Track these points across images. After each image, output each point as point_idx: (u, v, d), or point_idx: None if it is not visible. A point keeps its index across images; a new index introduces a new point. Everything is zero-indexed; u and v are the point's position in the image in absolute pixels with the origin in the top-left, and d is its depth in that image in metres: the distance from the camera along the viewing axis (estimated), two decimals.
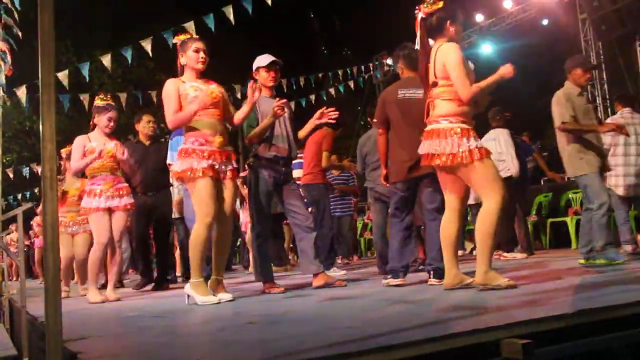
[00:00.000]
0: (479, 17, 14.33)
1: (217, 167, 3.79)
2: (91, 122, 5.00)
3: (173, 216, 6.72)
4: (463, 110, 3.32)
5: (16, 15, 6.12)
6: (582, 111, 4.79)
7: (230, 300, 3.75)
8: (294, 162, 4.77)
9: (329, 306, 3.21)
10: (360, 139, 6.24)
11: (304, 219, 4.45)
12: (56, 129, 1.76)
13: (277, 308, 3.30)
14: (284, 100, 4.34)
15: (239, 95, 11.66)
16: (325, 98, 14.01)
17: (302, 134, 4.74)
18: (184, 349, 2.14)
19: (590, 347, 1.95)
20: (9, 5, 6.03)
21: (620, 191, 5.74)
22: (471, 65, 3.63)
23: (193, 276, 3.76)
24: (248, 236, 7.67)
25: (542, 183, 10.00)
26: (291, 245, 9.26)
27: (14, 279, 14.56)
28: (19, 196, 16.70)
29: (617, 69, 12.96)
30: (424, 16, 3.45)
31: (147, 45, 8.53)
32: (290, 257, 9.34)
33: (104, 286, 5.47)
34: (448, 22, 3.43)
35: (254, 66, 4.58)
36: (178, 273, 7.59)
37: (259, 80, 4.56)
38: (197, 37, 4.15)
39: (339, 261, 8.43)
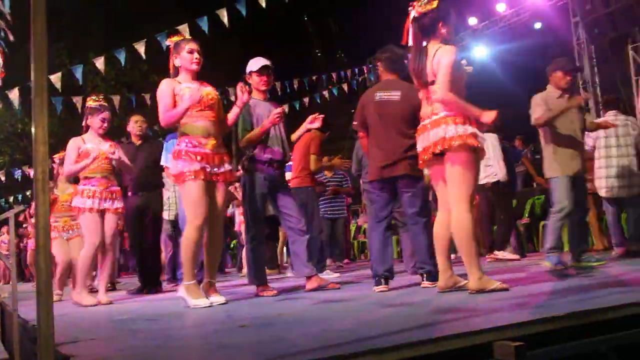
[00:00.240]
0: (473, 21, 14.39)
1: (209, 169, 3.79)
2: (84, 124, 4.98)
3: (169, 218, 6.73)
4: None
5: (8, 17, 6.10)
6: (566, 115, 4.79)
7: (222, 303, 3.74)
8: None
9: (322, 309, 3.21)
10: (357, 142, 6.25)
11: (297, 221, 4.46)
12: (49, 131, 1.76)
13: (270, 311, 3.29)
14: (282, 109, 4.34)
15: (232, 98, 11.65)
16: (319, 101, 14.02)
17: (293, 137, 4.76)
18: (176, 352, 2.14)
19: (581, 349, 1.96)
20: (1, 8, 6.01)
21: (602, 193, 5.80)
22: (468, 69, 3.65)
23: (185, 279, 3.75)
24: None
25: (534, 186, 10.04)
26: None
27: (1, 282, 14.50)
28: (11, 199, 16.62)
29: (609, 72, 13.03)
30: (416, 15, 3.46)
31: (140, 47, 8.52)
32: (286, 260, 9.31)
33: (92, 291, 5.46)
34: (440, 23, 3.44)
35: (247, 69, 4.58)
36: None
37: (252, 84, 4.57)
38: (191, 38, 4.15)
39: (330, 264, 8.40)
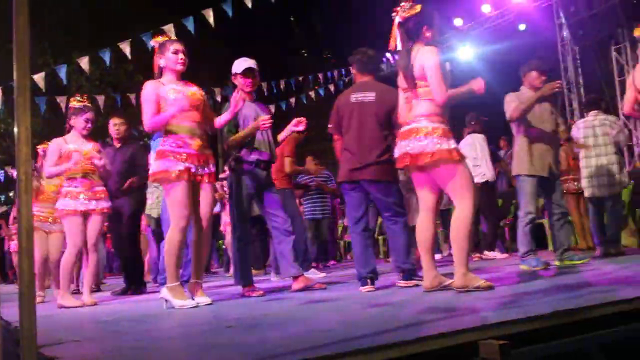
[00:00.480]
0: (458, 22, 14.46)
1: (193, 170, 3.77)
2: (67, 124, 4.94)
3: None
4: (441, 111, 3.37)
5: None
6: (537, 113, 4.83)
7: (208, 304, 3.73)
8: None
9: (309, 309, 3.21)
10: None
11: (283, 222, 4.46)
12: (32, 131, 1.74)
13: (257, 311, 3.29)
14: (270, 118, 4.33)
15: (218, 98, 11.61)
16: (305, 101, 14.00)
17: (278, 138, 4.76)
18: (161, 353, 2.13)
19: (565, 347, 1.98)
20: None
21: (585, 193, 5.88)
22: (447, 66, 3.67)
23: (169, 280, 3.73)
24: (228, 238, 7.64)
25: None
26: None
27: None
28: None
29: (593, 73, 13.17)
30: (401, 20, 3.48)
31: (125, 47, 8.46)
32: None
33: (76, 292, 5.42)
34: (425, 27, 3.47)
35: (232, 71, 4.57)
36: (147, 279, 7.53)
37: (237, 84, 4.56)
38: (176, 38, 4.13)
39: (316, 266, 8.39)
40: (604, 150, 5.73)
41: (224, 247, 10.68)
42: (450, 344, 1.81)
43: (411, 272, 4.04)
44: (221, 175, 6.52)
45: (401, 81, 3.54)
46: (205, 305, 3.71)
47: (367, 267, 4.05)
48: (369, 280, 4.01)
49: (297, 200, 7.93)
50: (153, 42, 4.02)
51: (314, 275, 5.74)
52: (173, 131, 3.79)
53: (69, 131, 4.93)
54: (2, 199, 16.31)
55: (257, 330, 2.49)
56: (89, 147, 4.86)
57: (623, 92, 11.69)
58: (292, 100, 13.70)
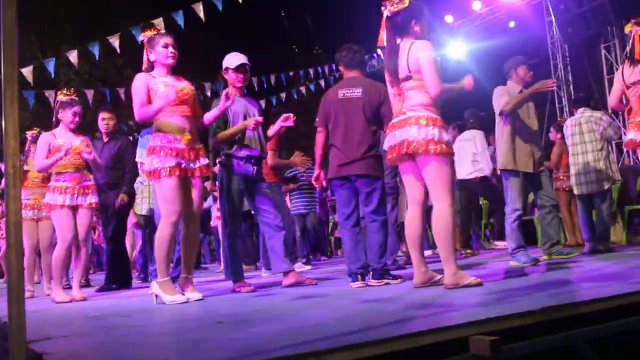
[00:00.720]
0: (449, 18, 14.49)
1: (184, 165, 3.75)
2: (54, 118, 4.90)
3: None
4: (435, 102, 3.38)
5: None
6: (523, 109, 4.84)
7: (199, 300, 3.72)
8: None
9: (299, 305, 3.21)
10: None
11: (274, 217, 4.46)
12: (20, 125, 1.72)
13: (247, 307, 3.29)
14: (260, 119, 4.32)
15: (208, 93, 11.56)
16: (295, 96, 13.98)
17: (269, 133, 4.74)
18: (151, 349, 2.11)
19: (555, 343, 1.99)
20: None
21: (574, 190, 5.93)
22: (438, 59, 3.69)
23: (159, 275, 3.72)
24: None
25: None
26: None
27: None
28: None
29: (582, 71, 13.24)
30: (389, 15, 3.48)
31: (114, 41, 8.40)
32: None
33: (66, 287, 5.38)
34: (413, 21, 3.46)
35: (224, 65, 4.55)
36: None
37: (228, 80, 4.54)
38: (165, 32, 4.10)
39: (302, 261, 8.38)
40: (590, 147, 5.77)
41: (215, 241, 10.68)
42: (441, 340, 1.81)
43: (382, 272, 4.05)
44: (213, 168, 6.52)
45: (388, 77, 3.55)
46: (196, 300, 3.70)
47: (357, 262, 4.05)
48: (359, 276, 4.02)
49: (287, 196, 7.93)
50: (142, 36, 3.99)
51: (299, 269, 5.74)
52: (163, 127, 3.77)
53: (56, 125, 4.89)
54: None
55: (247, 325, 2.49)
56: (78, 141, 4.82)
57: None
58: (283, 95, 13.67)
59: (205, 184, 6.88)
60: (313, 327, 2.24)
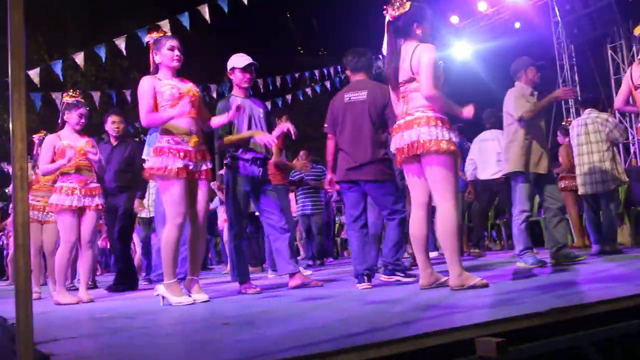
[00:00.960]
0: (454, 19, 14.46)
1: (191, 167, 3.76)
2: (60, 120, 4.92)
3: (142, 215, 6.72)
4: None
5: None
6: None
7: (205, 301, 3.73)
8: None
9: (305, 306, 3.21)
10: None
11: (278, 219, 4.47)
12: (27, 127, 1.73)
13: (253, 308, 3.29)
14: (273, 142, 4.35)
15: (214, 94, 11.58)
16: (301, 98, 13.98)
17: (273, 134, 4.76)
18: (157, 350, 2.12)
19: (562, 345, 1.98)
20: None
21: (580, 190, 5.91)
22: (441, 65, 3.69)
23: (166, 277, 3.73)
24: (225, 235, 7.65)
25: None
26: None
27: None
28: None
29: (588, 72, 13.19)
30: (390, 19, 3.48)
31: (121, 43, 8.43)
32: None
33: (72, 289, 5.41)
34: (415, 24, 3.46)
35: (229, 65, 4.56)
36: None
37: (233, 80, 4.55)
38: (171, 34, 4.11)
39: (309, 263, 8.37)
40: (596, 148, 5.76)
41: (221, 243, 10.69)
42: (447, 341, 1.81)
43: (394, 269, 4.09)
44: (219, 172, 6.54)
45: (389, 81, 3.55)
46: (202, 302, 3.71)
47: (364, 264, 4.06)
48: (365, 277, 4.02)
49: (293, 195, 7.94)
50: (148, 38, 4.01)
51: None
52: (170, 129, 3.78)
53: (62, 127, 4.90)
54: None
55: (254, 327, 2.49)
56: (83, 142, 4.84)
57: (619, 90, 11.76)
58: (289, 97, 13.68)
59: (211, 184, 6.91)
60: (319, 329, 2.24)
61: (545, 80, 4.96)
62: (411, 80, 3.41)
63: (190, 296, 3.74)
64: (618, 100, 4.93)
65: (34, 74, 8.42)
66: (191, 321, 2.99)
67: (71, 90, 5.13)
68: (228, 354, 1.87)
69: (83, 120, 4.89)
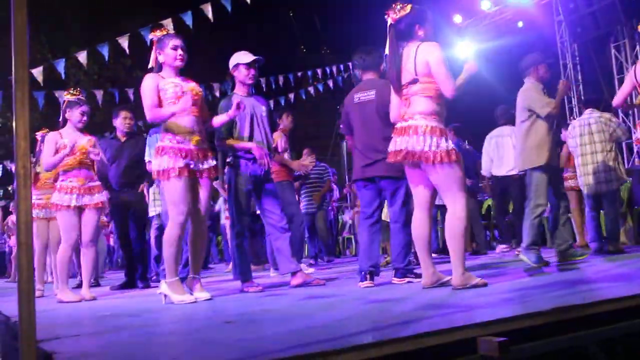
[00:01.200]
0: (457, 18, 14.44)
1: (193, 166, 3.77)
2: (61, 118, 4.93)
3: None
4: (440, 110, 3.38)
5: None
6: None
7: (207, 300, 3.73)
8: None
9: (307, 305, 3.21)
10: None
11: (279, 219, 4.47)
12: (30, 126, 1.73)
13: (255, 307, 3.29)
14: (268, 161, 4.43)
15: (217, 93, 11.58)
16: (304, 97, 13.98)
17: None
18: (160, 348, 2.12)
19: (564, 344, 1.98)
20: None
21: (583, 190, 5.91)
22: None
23: (168, 275, 3.73)
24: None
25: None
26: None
27: None
28: None
29: (591, 71, 13.16)
30: (392, 22, 3.48)
31: (124, 42, 8.43)
32: None
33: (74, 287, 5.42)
34: (417, 26, 3.47)
35: (233, 62, 4.55)
36: None
37: (237, 76, 4.55)
38: (174, 33, 4.10)
39: (310, 262, 8.37)
40: (600, 147, 5.76)
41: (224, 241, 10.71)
42: (449, 341, 1.81)
43: (405, 271, 4.10)
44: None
45: (392, 84, 3.55)
46: (204, 300, 3.71)
47: (369, 261, 4.10)
48: (368, 275, 4.04)
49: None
50: (152, 35, 4.00)
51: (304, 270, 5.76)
52: (172, 128, 3.78)
53: (63, 125, 4.91)
54: (1, 194, 16.26)
55: (255, 325, 2.49)
56: (85, 141, 4.85)
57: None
58: (291, 95, 13.68)
59: (214, 184, 6.91)
60: (320, 328, 2.25)
61: (550, 79, 4.93)
62: (414, 81, 3.40)
63: (192, 294, 3.74)
64: (618, 98, 4.92)
65: (37, 72, 8.43)
66: (193, 319, 2.99)
67: (72, 89, 5.14)
68: (230, 353, 1.88)
69: (85, 118, 4.89)
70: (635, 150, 11.88)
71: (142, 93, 3.82)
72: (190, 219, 3.81)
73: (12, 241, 13.57)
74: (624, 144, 11.34)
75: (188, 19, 8.11)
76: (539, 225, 4.69)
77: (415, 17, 3.46)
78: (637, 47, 11.73)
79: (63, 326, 3.10)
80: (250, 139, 4.46)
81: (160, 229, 6.83)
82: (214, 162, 3.95)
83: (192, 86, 3.90)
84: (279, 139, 6.10)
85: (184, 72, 3.98)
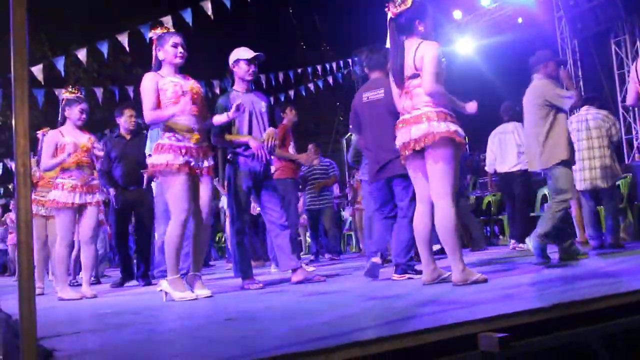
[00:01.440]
0: (457, 14, 14.41)
1: (193, 163, 3.77)
2: (60, 116, 4.92)
3: None
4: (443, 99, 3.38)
5: None
6: None
7: (208, 297, 3.74)
8: None
9: (308, 302, 3.21)
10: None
11: (279, 216, 4.47)
12: (30, 124, 1.73)
13: (256, 304, 3.29)
14: (262, 152, 4.41)
15: (217, 91, 11.58)
16: (304, 93, 13.98)
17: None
18: (160, 346, 2.13)
19: (565, 340, 1.98)
20: None
21: (581, 186, 5.90)
22: (444, 62, 3.68)
23: (169, 273, 3.74)
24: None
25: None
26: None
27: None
28: None
29: (592, 67, 13.14)
30: (392, 16, 3.48)
31: (123, 39, 8.42)
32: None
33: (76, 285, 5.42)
34: (417, 20, 3.47)
35: (233, 58, 4.54)
36: None
37: (237, 72, 4.54)
38: (175, 31, 4.09)
39: (311, 258, 8.36)
40: (597, 143, 5.77)
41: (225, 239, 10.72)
42: (449, 337, 1.81)
43: (406, 267, 4.12)
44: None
45: (393, 77, 3.55)
46: (205, 297, 3.71)
47: (376, 246, 4.31)
48: (379, 255, 4.23)
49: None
50: (151, 34, 3.99)
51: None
52: (172, 126, 3.78)
53: (62, 123, 4.90)
54: (1, 192, 16.27)
55: (256, 322, 2.50)
56: (85, 139, 4.84)
57: (622, 85, 11.73)
58: (291, 92, 13.68)
59: (215, 183, 6.91)
60: (321, 324, 2.25)
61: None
62: (414, 76, 3.41)
63: (193, 292, 3.74)
64: (630, 97, 4.91)
65: (37, 70, 8.42)
66: (194, 317, 3.00)
67: (70, 87, 5.13)
68: (230, 350, 1.88)
69: (84, 116, 4.89)
70: (635, 145, 11.88)
71: (142, 94, 3.82)
72: (191, 216, 3.81)
73: (10, 239, 13.59)
74: (624, 140, 11.34)
75: (188, 16, 8.11)
76: (561, 219, 4.62)
77: (415, 11, 3.46)
78: (638, 42, 11.71)
79: (64, 324, 3.11)
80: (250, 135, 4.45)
81: None
82: (213, 162, 3.95)
83: (191, 84, 3.89)
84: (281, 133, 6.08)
85: (184, 70, 3.98)
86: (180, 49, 3.87)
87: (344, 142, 16.94)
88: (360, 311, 2.65)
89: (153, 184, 6.55)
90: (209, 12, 8.12)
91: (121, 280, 6.14)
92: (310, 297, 3.40)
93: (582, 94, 11.92)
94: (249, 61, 4.50)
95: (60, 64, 8.78)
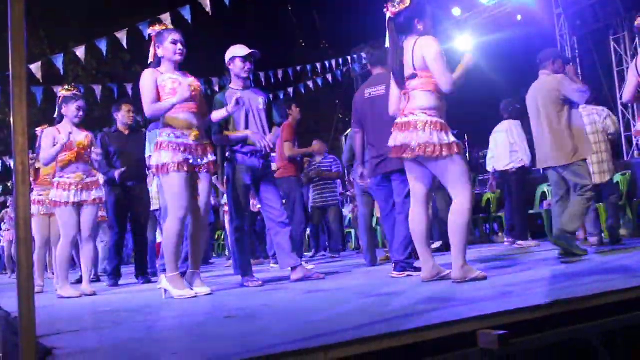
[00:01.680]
0: (456, 11, 14.39)
1: (192, 161, 3.76)
2: (57, 114, 4.91)
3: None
4: (440, 104, 3.37)
5: None
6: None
7: (207, 294, 3.74)
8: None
9: (307, 299, 3.21)
10: (350, 132, 6.28)
11: (279, 214, 4.47)
12: (29, 122, 1.73)
13: (255, 301, 3.29)
14: (269, 144, 4.40)
15: (216, 88, 11.56)
16: (303, 91, 13.96)
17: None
18: (161, 343, 2.13)
19: (564, 337, 1.98)
20: None
21: None
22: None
23: (168, 270, 3.74)
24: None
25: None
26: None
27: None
28: None
29: (591, 64, 13.13)
30: (391, 16, 3.47)
31: (122, 37, 8.40)
32: None
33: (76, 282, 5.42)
34: (416, 19, 3.46)
35: (229, 55, 4.54)
36: None
37: (232, 70, 4.54)
38: (174, 28, 4.09)
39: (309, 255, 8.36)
40: (593, 139, 5.76)
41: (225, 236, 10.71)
42: (449, 334, 1.81)
43: (405, 264, 4.12)
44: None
45: (394, 78, 3.55)
46: (205, 295, 3.72)
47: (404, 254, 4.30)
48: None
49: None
50: (150, 31, 3.99)
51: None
52: (171, 123, 3.78)
53: (59, 121, 4.89)
54: (0, 189, 16.25)
55: (256, 320, 2.50)
56: (82, 137, 4.83)
57: (621, 82, 11.72)
58: (290, 90, 13.67)
59: (214, 181, 6.91)
60: (321, 321, 2.25)
61: None
62: (413, 76, 3.40)
63: (192, 289, 3.74)
64: (627, 93, 4.89)
65: (36, 68, 8.40)
66: (193, 314, 3.00)
67: (67, 84, 5.12)
68: (230, 347, 1.88)
69: (81, 114, 4.87)
70: (634, 142, 11.88)
71: (141, 89, 3.82)
72: (190, 213, 3.81)
73: (8, 236, 13.56)
74: (623, 137, 11.33)
75: (187, 13, 8.09)
76: (588, 210, 4.60)
77: (414, 10, 3.44)
78: (637, 40, 11.71)
79: (63, 322, 3.10)
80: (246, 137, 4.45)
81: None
82: (214, 158, 3.95)
83: (190, 81, 3.89)
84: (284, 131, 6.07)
85: (183, 67, 3.97)
86: (179, 46, 3.87)
87: (343, 139, 16.92)
88: (359, 308, 2.65)
89: (153, 185, 6.58)
90: (208, 10, 8.11)
91: (112, 280, 6.10)
92: (309, 295, 3.40)
93: None
94: (244, 58, 4.49)
95: (58, 61, 8.76)
